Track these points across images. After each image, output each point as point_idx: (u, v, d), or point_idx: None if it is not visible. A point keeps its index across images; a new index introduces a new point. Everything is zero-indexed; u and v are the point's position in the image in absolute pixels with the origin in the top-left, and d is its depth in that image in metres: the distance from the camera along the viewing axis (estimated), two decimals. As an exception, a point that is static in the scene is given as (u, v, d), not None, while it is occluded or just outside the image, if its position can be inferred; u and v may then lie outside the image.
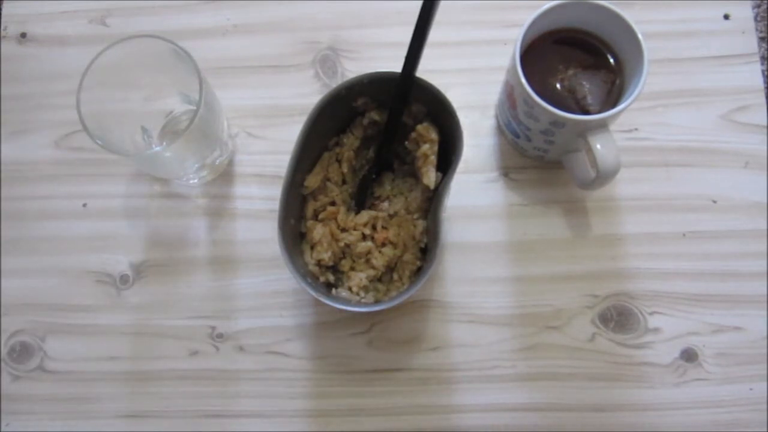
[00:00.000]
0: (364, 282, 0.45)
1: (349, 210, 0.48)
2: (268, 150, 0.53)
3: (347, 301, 0.44)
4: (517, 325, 0.48)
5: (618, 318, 0.48)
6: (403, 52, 0.39)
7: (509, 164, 0.52)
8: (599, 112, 0.43)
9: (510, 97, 0.46)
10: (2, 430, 0.48)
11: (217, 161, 0.50)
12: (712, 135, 0.51)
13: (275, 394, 0.48)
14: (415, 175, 0.48)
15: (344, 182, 0.48)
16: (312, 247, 0.46)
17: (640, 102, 0.43)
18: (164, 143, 0.46)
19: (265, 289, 0.50)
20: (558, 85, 0.45)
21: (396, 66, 0.41)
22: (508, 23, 0.54)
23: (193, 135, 0.42)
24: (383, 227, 0.47)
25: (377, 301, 0.45)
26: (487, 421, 0.47)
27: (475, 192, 0.51)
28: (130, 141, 0.47)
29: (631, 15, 0.42)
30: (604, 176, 0.43)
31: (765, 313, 0.48)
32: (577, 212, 0.50)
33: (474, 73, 0.53)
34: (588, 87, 0.45)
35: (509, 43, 0.48)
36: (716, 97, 0.52)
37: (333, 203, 0.47)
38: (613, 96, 0.45)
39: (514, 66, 0.42)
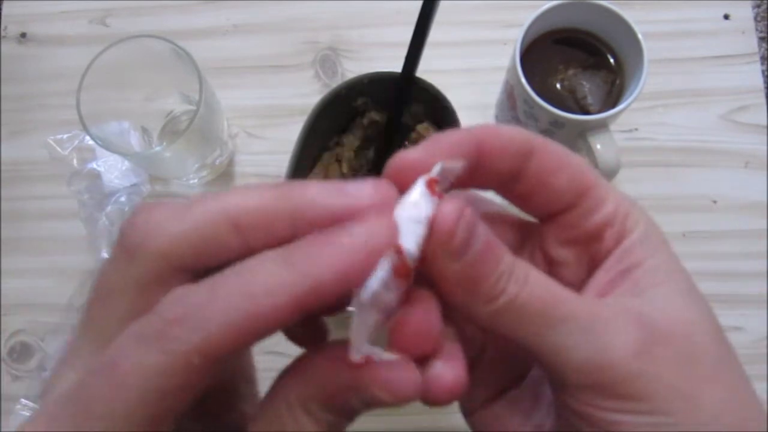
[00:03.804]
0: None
1: (349, 210, 0.48)
2: (268, 150, 0.53)
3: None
4: (517, 325, 0.48)
5: (618, 318, 0.48)
6: (403, 52, 0.39)
7: (509, 164, 0.52)
8: (599, 112, 0.43)
9: (510, 97, 0.46)
10: (2, 430, 0.48)
11: (217, 161, 0.50)
12: (712, 135, 0.51)
13: (275, 394, 0.48)
14: (415, 175, 0.48)
15: (344, 182, 0.48)
16: (312, 247, 0.46)
17: (640, 102, 0.43)
18: (164, 143, 0.46)
19: (265, 289, 0.50)
20: (558, 85, 0.45)
21: (396, 66, 0.41)
22: (508, 23, 0.54)
23: (193, 135, 0.42)
24: (383, 227, 0.47)
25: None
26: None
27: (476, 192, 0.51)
28: (129, 141, 0.47)
29: (631, 15, 0.42)
30: (604, 176, 0.43)
31: (765, 313, 0.48)
32: (577, 212, 0.50)
33: (474, 73, 0.53)
34: (588, 87, 0.45)
35: (509, 43, 0.48)
36: (716, 97, 0.52)
37: (333, 203, 0.47)
38: (613, 96, 0.45)
39: (514, 66, 0.42)
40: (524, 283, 0.18)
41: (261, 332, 0.16)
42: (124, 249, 0.18)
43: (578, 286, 0.22)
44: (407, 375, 0.18)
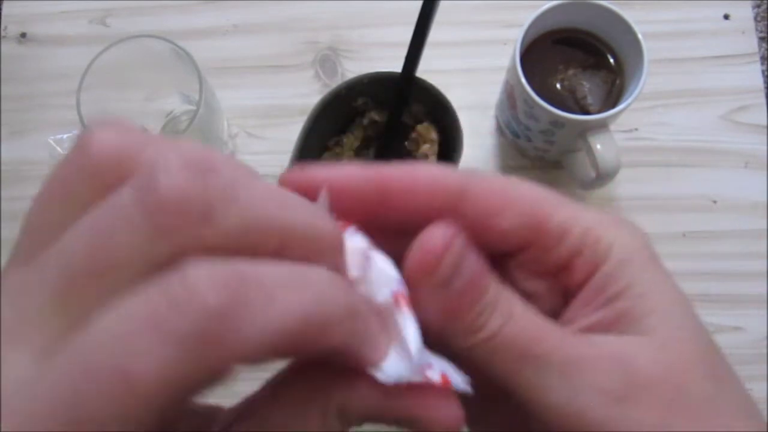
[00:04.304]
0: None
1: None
2: (268, 150, 0.53)
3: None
4: (517, 325, 0.48)
5: (618, 318, 0.48)
6: (403, 52, 0.39)
7: (509, 164, 0.52)
8: (599, 112, 0.43)
9: (510, 97, 0.46)
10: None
11: (217, 161, 0.50)
12: (712, 135, 0.51)
13: (275, 394, 0.48)
14: (415, 175, 0.48)
15: (344, 182, 0.48)
16: (312, 247, 0.46)
17: (640, 102, 0.43)
18: (164, 143, 0.46)
19: (265, 289, 0.50)
20: (558, 85, 0.45)
21: (396, 66, 0.41)
22: (508, 23, 0.54)
23: (193, 135, 0.42)
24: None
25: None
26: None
27: (475, 192, 0.51)
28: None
29: (631, 15, 0.42)
30: (604, 176, 0.43)
31: (765, 313, 0.48)
32: (577, 212, 0.50)
33: (474, 73, 0.53)
34: (588, 87, 0.45)
35: (509, 43, 0.48)
36: (716, 97, 0.52)
37: (333, 203, 0.47)
38: (613, 96, 0.45)
39: (514, 66, 0.42)
40: (508, 319, 0.17)
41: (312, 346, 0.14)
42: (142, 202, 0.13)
43: (555, 315, 0.20)
44: (456, 409, 0.17)
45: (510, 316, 0.18)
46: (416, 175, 0.19)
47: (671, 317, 0.19)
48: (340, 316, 0.15)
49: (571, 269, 0.19)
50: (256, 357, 0.13)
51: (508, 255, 0.20)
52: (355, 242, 0.18)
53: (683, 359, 0.18)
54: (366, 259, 0.17)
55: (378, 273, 0.17)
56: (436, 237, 0.17)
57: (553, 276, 0.20)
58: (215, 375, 0.13)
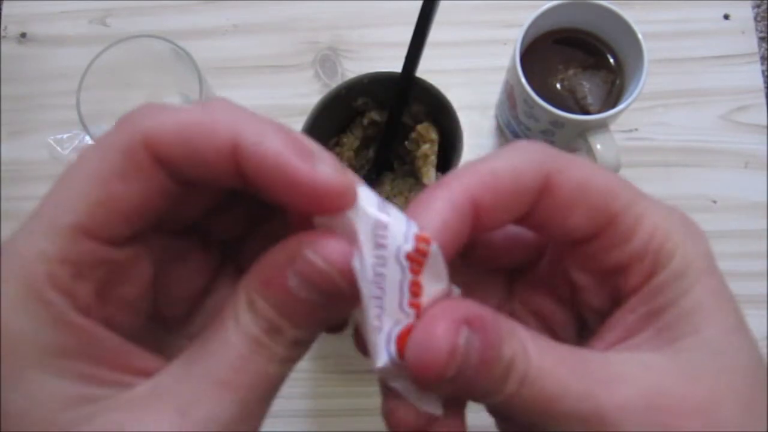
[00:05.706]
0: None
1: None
2: (268, 150, 0.53)
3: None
4: (517, 325, 0.48)
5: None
6: (403, 52, 0.39)
7: (509, 164, 0.52)
8: (599, 112, 0.43)
9: (510, 97, 0.46)
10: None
11: (217, 161, 0.50)
12: (712, 135, 0.51)
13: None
14: (415, 175, 0.48)
15: (344, 182, 0.48)
16: (312, 247, 0.46)
17: (640, 102, 0.43)
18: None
19: (265, 289, 0.50)
20: (558, 85, 0.45)
21: (396, 66, 0.41)
22: (508, 23, 0.54)
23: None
24: (383, 227, 0.47)
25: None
26: (488, 420, 0.47)
27: (475, 192, 0.51)
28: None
29: (631, 15, 0.42)
30: (604, 176, 0.43)
31: (765, 313, 0.48)
32: (577, 212, 0.50)
33: (474, 73, 0.53)
34: (588, 87, 0.45)
35: (509, 43, 0.48)
36: (716, 97, 0.52)
37: (333, 203, 0.47)
38: (613, 96, 0.45)
39: (514, 66, 0.42)
40: (522, 382, 0.17)
41: (207, 162, 0.17)
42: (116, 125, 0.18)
43: (601, 311, 0.20)
44: (336, 241, 0.17)
45: (524, 379, 0.17)
46: (503, 184, 0.18)
47: (713, 340, 0.18)
48: (217, 123, 0.17)
49: (628, 273, 0.19)
50: (171, 146, 0.17)
51: (567, 243, 0.20)
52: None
53: (716, 392, 0.17)
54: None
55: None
56: (441, 337, 0.16)
57: (608, 276, 0.19)
58: (131, 153, 0.17)
